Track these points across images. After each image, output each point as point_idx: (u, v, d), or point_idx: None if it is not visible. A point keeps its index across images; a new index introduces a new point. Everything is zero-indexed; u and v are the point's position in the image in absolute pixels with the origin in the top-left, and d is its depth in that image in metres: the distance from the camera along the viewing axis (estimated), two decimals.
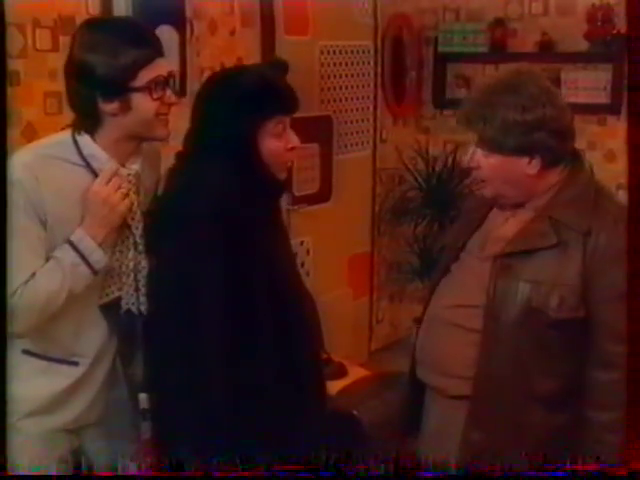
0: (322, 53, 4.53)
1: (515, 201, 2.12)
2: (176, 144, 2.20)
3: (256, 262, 2.07)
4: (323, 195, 4.61)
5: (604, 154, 4.70)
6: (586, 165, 2.13)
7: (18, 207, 1.93)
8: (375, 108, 5.00)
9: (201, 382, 2.03)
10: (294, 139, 2.16)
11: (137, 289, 2.15)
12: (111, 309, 2.16)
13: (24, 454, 2.02)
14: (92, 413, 2.21)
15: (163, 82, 2.07)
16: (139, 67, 2.02)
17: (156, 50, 2.08)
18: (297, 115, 2.19)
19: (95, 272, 2.07)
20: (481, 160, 2.07)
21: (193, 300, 2.04)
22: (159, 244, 2.11)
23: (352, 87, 4.78)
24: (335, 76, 4.64)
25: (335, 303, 4.52)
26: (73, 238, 2.05)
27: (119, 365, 2.21)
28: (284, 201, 4.00)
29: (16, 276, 1.92)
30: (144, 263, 2.14)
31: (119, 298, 2.15)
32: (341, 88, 4.70)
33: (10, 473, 1.87)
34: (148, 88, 2.04)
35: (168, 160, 2.22)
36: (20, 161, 1.99)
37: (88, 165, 2.08)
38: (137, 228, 2.14)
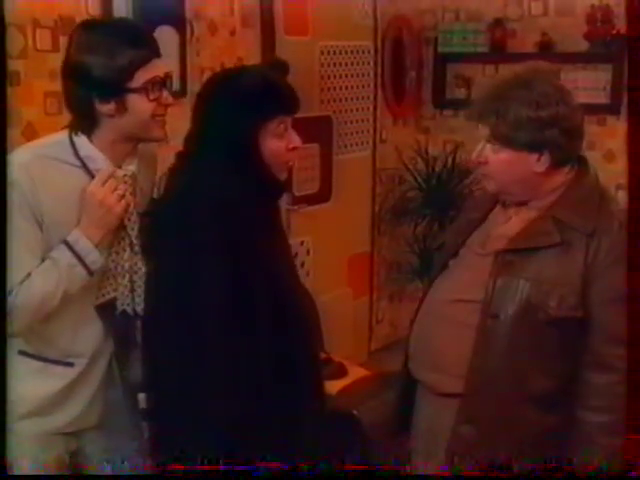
0: (322, 53, 4.53)
1: (519, 199, 2.13)
2: (176, 144, 2.20)
3: (255, 262, 2.07)
4: (323, 195, 4.62)
5: (603, 154, 4.70)
6: (591, 169, 2.14)
7: (14, 207, 1.94)
8: (375, 108, 5.00)
9: (200, 382, 2.03)
10: (296, 139, 2.16)
11: (132, 290, 2.15)
12: (107, 310, 2.16)
13: (21, 455, 2.03)
14: (90, 415, 2.21)
15: (160, 83, 2.07)
16: (135, 68, 2.03)
17: (152, 51, 2.08)
18: (297, 115, 2.19)
19: (91, 273, 2.08)
20: (490, 155, 2.08)
21: (192, 300, 2.04)
22: (159, 244, 2.11)
23: (352, 87, 4.78)
24: (335, 76, 4.64)
25: (335, 303, 4.53)
26: (69, 239, 2.05)
27: (115, 366, 2.21)
28: (284, 201, 4.01)
29: (11, 276, 1.92)
30: (140, 264, 2.15)
31: (115, 299, 2.16)
32: (341, 88, 4.70)
33: (10, 473, 1.88)
34: (144, 89, 2.04)
35: (168, 160, 2.22)
36: (17, 161, 1.99)
37: (84, 166, 2.09)
38: (133, 229, 2.15)
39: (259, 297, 2.07)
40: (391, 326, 5.33)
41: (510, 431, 2.05)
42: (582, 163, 2.13)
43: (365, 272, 5.11)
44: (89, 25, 2.16)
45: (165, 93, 2.09)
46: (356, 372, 3.55)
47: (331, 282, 4.66)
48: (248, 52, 3.99)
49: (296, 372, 2.14)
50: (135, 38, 2.06)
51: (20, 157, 2.03)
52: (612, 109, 4.75)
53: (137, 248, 2.15)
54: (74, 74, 2.06)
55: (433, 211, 5.01)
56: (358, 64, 4.81)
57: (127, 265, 2.15)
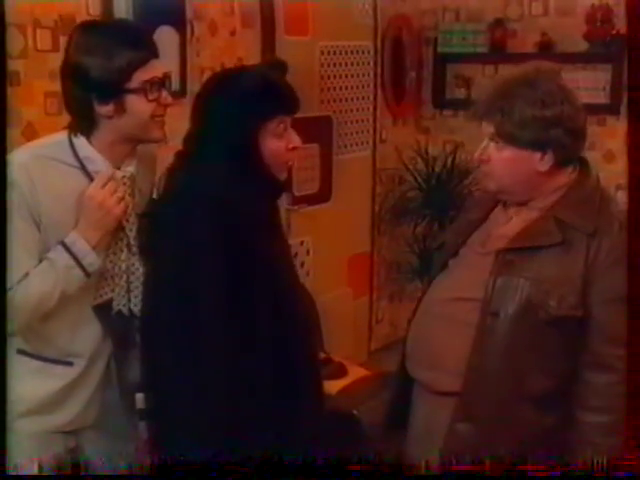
0: (322, 53, 4.53)
1: (520, 199, 2.13)
2: (175, 144, 2.20)
3: (255, 262, 2.08)
4: (323, 195, 4.62)
5: (603, 154, 4.70)
6: (593, 171, 2.15)
7: (13, 208, 1.94)
8: (375, 108, 5.00)
9: (199, 382, 2.03)
10: (295, 139, 2.16)
11: (129, 290, 2.16)
12: (104, 310, 2.16)
13: (20, 455, 2.02)
14: (88, 414, 2.21)
15: (158, 83, 2.08)
16: (134, 69, 2.03)
17: (151, 51, 2.08)
18: (297, 115, 2.19)
19: (88, 275, 2.08)
20: (493, 153, 2.08)
21: (192, 300, 2.04)
22: (158, 244, 2.11)
23: (352, 87, 4.78)
24: (335, 76, 4.64)
25: (335, 303, 4.53)
26: (67, 240, 2.05)
27: (114, 366, 2.21)
28: (284, 201, 4.01)
29: (10, 275, 1.93)
30: (137, 264, 2.15)
31: (112, 299, 2.16)
32: (341, 88, 4.70)
33: (9, 473, 1.88)
34: (143, 90, 2.04)
35: (168, 161, 2.22)
36: (16, 162, 1.99)
37: (83, 167, 2.09)
38: (131, 230, 2.15)
39: (258, 297, 2.07)
40: (391, 326, 5.33)
41: (508, 430, 2.05)
42: (583, 164, 2.14)
43: (365, 272, 5.11)
44: (87, 26, 2.16)
45: (164, 93, 2.09)
46: (356, 372, 3.55)
47: (331, 282, 4.66)
48: (248, 52, 3.99)
49: (296, 372, 2.14)
50: (133, 39, 2.06)
51: (20, 157, 2.03)
52: (612, 109, 4.75)
53: (135, 249, 2.15)
54: (73, 75, 2.06)
55: (433, 211, 5.01)
56: (358, 64, 4.81)
57: (124, 266, 2.15)
